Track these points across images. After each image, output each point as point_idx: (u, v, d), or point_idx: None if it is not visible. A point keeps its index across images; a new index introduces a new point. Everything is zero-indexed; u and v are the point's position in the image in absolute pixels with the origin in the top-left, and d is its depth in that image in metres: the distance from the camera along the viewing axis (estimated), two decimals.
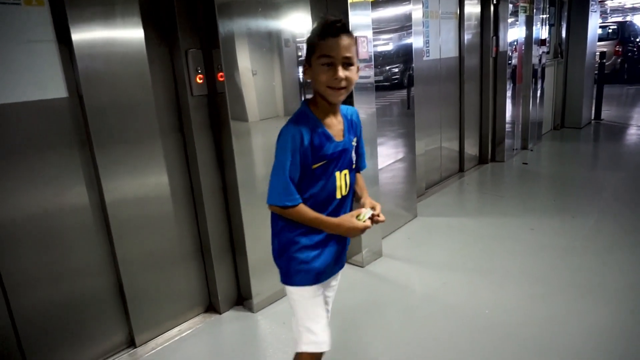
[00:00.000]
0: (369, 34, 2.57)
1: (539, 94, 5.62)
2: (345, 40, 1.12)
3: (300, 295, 1.29)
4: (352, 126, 1.28)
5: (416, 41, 3.51)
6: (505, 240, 3.03)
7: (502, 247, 2.94)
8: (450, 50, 4.27)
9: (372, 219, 1.22)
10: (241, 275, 2.38)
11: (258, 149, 2.22)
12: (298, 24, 2.36)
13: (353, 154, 1.28)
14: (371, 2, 2.56)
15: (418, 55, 3.65)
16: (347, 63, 1.14)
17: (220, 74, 2.06)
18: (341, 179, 1.23)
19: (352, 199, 1.33)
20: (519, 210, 3.54)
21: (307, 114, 1.19)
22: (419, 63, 3.67)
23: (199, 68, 2.08)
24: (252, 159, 2.23)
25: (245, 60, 2.13)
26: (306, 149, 1.16)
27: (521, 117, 5.35)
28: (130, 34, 1.85)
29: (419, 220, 3.47)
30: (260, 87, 2.21)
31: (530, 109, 5.41)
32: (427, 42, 3.91)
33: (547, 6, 5.63)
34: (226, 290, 2.37)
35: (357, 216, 1.20)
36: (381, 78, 3.03)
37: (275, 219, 1.29)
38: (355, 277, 2.66)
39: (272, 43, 2.25)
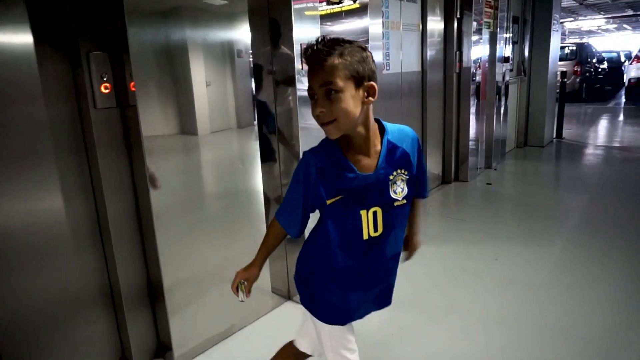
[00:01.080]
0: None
1: (502, 111, 5.52)
2: (322, 67, 0.98)
3: (329, 331, 1.25)
4: (398, 156, 1.11)
5: (374, 55, 3.27)
6: (468, 272, 2.77)
7: (464, 280, 2.67)
8: (412, 64, 4.07)
9: (247, 291, 1.26)
10: (160, 323, 1.99)
11: (193, 168, 1.89)
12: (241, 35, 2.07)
13: (395, 191, 1.12)
14: (324, 14, 2.32)
15: (377, 68, 3.38)
16: (329, 91, 0.98)
17: (132, 82, 1.70)
18: (369, 217, 1.10)
19: (399, 234, 1.19)
20: (482, 237, 3.31)
21: (328, 141, 1.08)
22: (378, 77, 3.39)
23: (104, 75, 1.71)
24: (177, 182, 1.88)
25: (164, 68, 1.79)
26: (316, 180, 1.08)
27: (485, 134, 5.21)
28: (12, 35, 1.47)
29: None
30: (179, 98, 1.88)
31: (494, 126, 5.29)
32: (387, 55, 3.69)
33: (510, 24, 5.56)
34: (141, 341, 1.98)
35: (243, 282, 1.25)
36: None
37: (311, 244, 1.23)
38: (287, 313, 2.31)
39: (221, 52, 1.92)
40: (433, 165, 4.61)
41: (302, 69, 2.16)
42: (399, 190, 1.12)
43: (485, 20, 4.80)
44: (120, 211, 1.83)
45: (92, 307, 1.87)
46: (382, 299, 1.29)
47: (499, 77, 5.24)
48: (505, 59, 5.35)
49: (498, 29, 5.07)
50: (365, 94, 1.03)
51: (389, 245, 1.16)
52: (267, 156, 2.37)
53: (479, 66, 4.80)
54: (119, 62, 1.72)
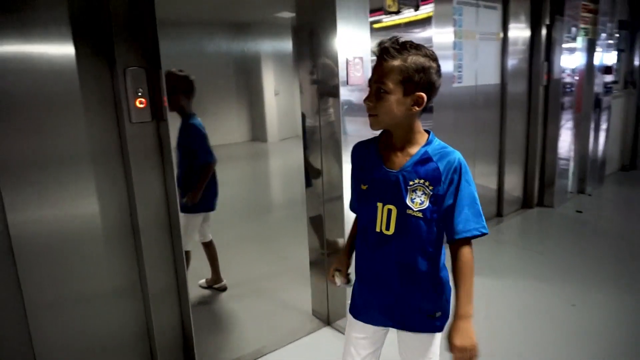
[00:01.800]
0: (366, 55, 2.13)
1: (602, 128, 4.81)
2: (382, 65, 1.06)
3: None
4: (428, 168, 1.12)
5: (443, 65, 3.01)
6: (538, 316, 2.38)
7: (531, 326, 2.29)
8: (489, 75, 3.72)
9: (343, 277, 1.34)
10: (185, 332, 1.96)
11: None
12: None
13: (413, 200, 1.12)
14: (382, 26, 2.19)
15: (445, 80, 3.07)
16: (379, 89, 1.07)
17: (164, 98, 1.70)
18: (383, 212, 1.16)
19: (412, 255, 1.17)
20: (561, 276, 2.85)
21: (376, 136, 1.20)
22: (446, 89, 3.17)
23: (140, 90, 1.72)
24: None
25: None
26: (355, 166, 1.23)
27: (579, 153, 4.57)
28: (56, 48, 1.55)
29: None
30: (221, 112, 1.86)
31: (590, 144, 4.62)
32: (459, 67, 3.39)
33: (616, 29, 4.85)
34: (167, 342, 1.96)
35: (338, 269, 1.34)
36: None
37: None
38: (324, 339, 2.14)
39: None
40: (512, 186, 4.14)
41: (347, 82, 2.05)
42: (417, 201, 1.11)
43: (582, 26, 4.23)
44: (152, 221, 1.83)
45: (122, 303, 1.89)
46: (400, 318, 1.24)
47: (598, 89, 4.59)
48: (607, 69, 4.67)
49: (599, 35, 4.45)
50: (412, 103, 1.08)
51: (398, 251, 1.16)
52: (312, 168, 2.28)
53: (574, 77, 4.24)
54: (156, 78, 1.73)
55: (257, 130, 2.10)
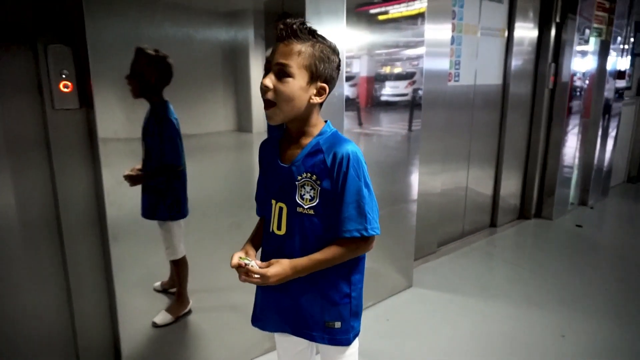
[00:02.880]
0: (342, 52, 1.84)
1: (610, 136, 4.51)
2: (287, 46, 1.00)
3: None
4: (316, 160, 1.07)
5: (436, 62, 2.79)
6: (526, 348, 2.12)
7: (515, 358, 2.04)
8: (490, 75, 3.44)
9: (249, 269, 1.05)
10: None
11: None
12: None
13: (303, 196, 1.08)
14: (373, 17, 2.01)
15: (439, 78, 2.87)
16: (282, 72, 1.00)
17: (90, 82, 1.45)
18: (275, 210, 1.12)
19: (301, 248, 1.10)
20: (552, 298, 2.59)
21: (273, 129, 1.17)
22: (440, 87, 2.88)
23: (64, 72, 1.47)
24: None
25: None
26: (259, 163, 1.19)
27: (583, 162, 4.28)
28: None
29: (411, 293, 2.64)
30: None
31: (597, 153, 4.33)
32: (457, 64, 3.12)
33: (632, 32, 4.52)
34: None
35: (243, 257, 1.08)
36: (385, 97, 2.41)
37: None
38: None
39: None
40: (508, 194, 3.87)
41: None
42: (306, 197, 1.07)
43: (595, 26, 3.92)
44: (78, 222, 1.60)
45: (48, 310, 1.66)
46: (297, 323, 1.17)
47: (609, 95, 4.28)
48: (620, 74, 4.35)
49: (613, 37, 4.13)
50: (315, 92, 1.04)
51: (289, 252, 1.09)
52: None
53: (584, 81, 3.95)
54: (84, 57, 1.47)
55: (242, 119, 1.92)
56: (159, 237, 1.75)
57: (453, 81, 3.13)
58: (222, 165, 1.89)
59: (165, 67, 1.65)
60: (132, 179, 1.62)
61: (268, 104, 1.02)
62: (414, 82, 2.50)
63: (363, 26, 2.20)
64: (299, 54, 0.99)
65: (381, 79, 2.36)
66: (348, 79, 2.14)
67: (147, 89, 1.64)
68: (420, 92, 2.54)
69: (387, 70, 2.38)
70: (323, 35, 1.03)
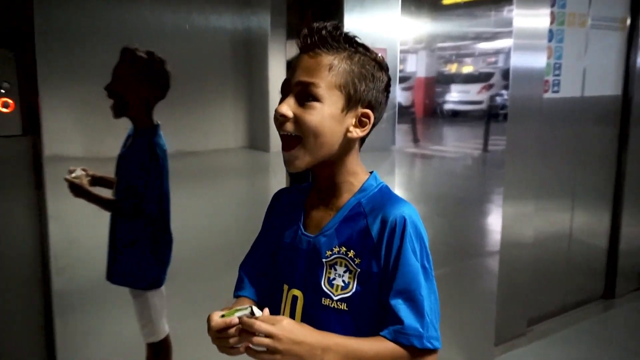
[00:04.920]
0: (393, 47, 1.81)
1: None
2: (314, 58, 0.86)
3: None
4: (355, 229, 0.90)
5: (526, 62, 2.46)
6: None
7: None
8: (604, 82, 3.04)
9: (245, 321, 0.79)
10: None
11: None
12: None
13: (331, 280, 0.91)
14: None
15: (530, 85, 2.53)
16: (306, 94, 0.85)
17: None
18: (286, 300, 0.94)
19: None
20: None
21: (308, 182, 1.04)
22: (531, 97, 2.54)
23: (3, 85, 1.35)
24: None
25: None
26: (269, 216, 1.05)
27: None
28: None
29: None
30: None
31: None
32: (556, 68, 2.75)
33: None
34: None
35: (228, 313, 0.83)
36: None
37: None
38: None
39: None
40: (635, 249, 3.27)
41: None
42: (338, 283, 0.90)
43: None
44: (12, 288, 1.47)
45: None
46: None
47: None
48: None
49: None
50: (355, 123, 0.89)
51: None
52: None
53: None
54: (32, 66, 1.32)
55: (257, 134, 1.87)
56: (130, 309, 1.59)
57: (551, 92, 2.75)
58: (227, 196, 1.76)
59: (161, 76, 1.52)
60: (74, 189, 1.43)
61: (287, 142, 0.88)
62: (490, 87, 2.29)
63: (423, 12, 2.02)
64: (330, 68, 0.86)
65: (445, 80, 2.15)
66: (401, 80, 1.99)
67: (135, 106, 1.51)
68: (499, 98, 2.28)
69: (453, 69, 2.18)
70: (365, 44, 0.91)
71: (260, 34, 1.71)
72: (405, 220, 0.87)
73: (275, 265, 0.99)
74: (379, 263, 0.88)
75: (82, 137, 1.45)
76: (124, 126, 1.53)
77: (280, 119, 0.85)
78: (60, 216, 1.40)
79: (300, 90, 0.85)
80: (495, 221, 2.29)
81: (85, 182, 1.46)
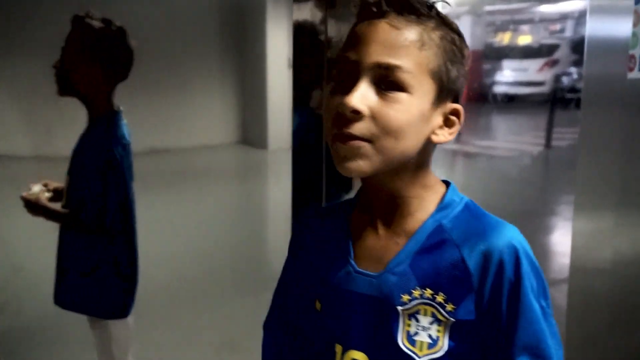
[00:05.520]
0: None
1: None
2: (395, 30, 0.72)
3: None
4: (442, 263, 0.78)
5: (603, 31, 2.20)
6: None
7: None
8: None
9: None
10: None
11: None
12: None
13: (411, 336, 0.80)
14: None
15: (608, 62, 2.27)
16: (390, 82, 0.71)
17: None
18: None
19: None
20: None
21: (349, 199, 0.91)
22: (611, 77, 2.29)
23: None
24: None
25: None
26: (297, 254, 0.91)
27: None
28: None
29: None
30: None
31: None
32: None
33: None
34: None
35: None
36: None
37: None
38: None
39: None
40: None
41: None
42: (421, 339, 0.78)
43: None
44: None
45: None
46: None
47: None
48: None
49: None
50: (443, 121, 0.77)
51: None
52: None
53: None
54: None
55: (253, 127, 1.79)
56: (88, 342, 1.51)
57: (637, 70, 2.37)
58: (213, 207, 1.66)
59: (120, 51, 1.41)
60: (30, 207, 1.35)
61: (354, 140, 0.72)
62: (555, 63, 2.07)
63: None
64: (422, 45, 0.72)
65: (496, 55, 1.96)
66: None
67: (86, 86, 1.40)
68: (566, 78, 2.06)
69: (505, 40, 1.99)
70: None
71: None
72: (517, 251, 0.75)
73: (318, 319, 0.85)
74: (481, 309, 0.77)
75: (29, 131, 1.39)
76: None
77: (350, 116, 0.70)
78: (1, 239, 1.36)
79: (379, 75, 0.71)
80: (562, 240, 2.04)
81: (43, 197, 1.39)
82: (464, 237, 0.77)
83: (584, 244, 2.19)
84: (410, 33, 0.72)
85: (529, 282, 0.75)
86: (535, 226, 2.08)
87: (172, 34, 1.50)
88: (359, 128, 0.71)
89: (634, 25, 2.30)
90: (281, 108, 1.78)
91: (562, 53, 2.08)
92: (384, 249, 0.79)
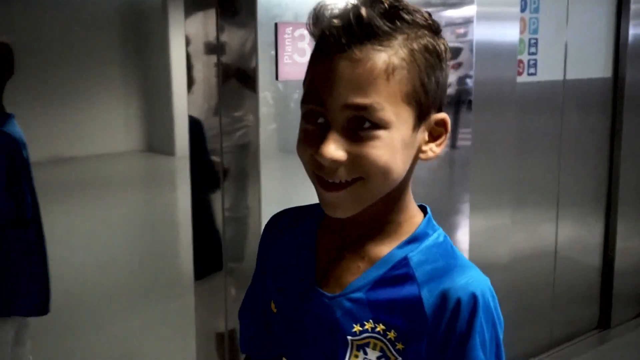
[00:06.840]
0: None
1: None
2: (359, 63, 0.67)
3: None
4: (399, 297, 0.76)
5: (494, 36, 2.32)
6: None
7: None
8: (591, 63, 2.91)
9: None
10: None
11: None
12: None
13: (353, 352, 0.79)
14: None
15: (500, 65, 2.38)
16: (361, 121, 0.68)
17: None
18: None
19: None
20: None
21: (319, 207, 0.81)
22: (502, 80, 2.41)
23: None
24: None
25: None
26: (262, 261, 0.91)
27: None
28: None
29: None
30: None
31: None
32: (532, 45, 2.59)
33: None
34: None
35: None
36: None
37: None
38: None
39: None
40: (633, 266, 3.16)
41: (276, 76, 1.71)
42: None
43: None
44: None
45: None
46: None
47: None
48: None
49: None
50: (427, 138, 0.75)
51: None
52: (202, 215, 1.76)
53: None
54: None
55: (158, 133, 1.78)
56: None
57: (526, 74, 2.55)
58: (116, 216, 1.65)
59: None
60: None
61: (333, 189, 0.71)
62: (459, 66, 2.16)
63: None
64: (391, 72, 0.67)
65: None
66: None
67: None
68: (469, 81, 2.14)
69: None
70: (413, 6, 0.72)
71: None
72: (476, 300, 0.71)
73: (275, 322, 0.86)
74: (430, 355, 0.75)
75: None
76: None
77: (331, 166, 0.68)
78: None
79: (351, 116, 0.67)
80: (461, 236, 2.14)
81: None
82: (427, 277, 0.75)
83: (481, 241, 2.31)
84: (376, 63, 0.67)
85: (480, 337, 0.73)
86: (437, 222, 2.12)
87: (71, 39, 1.48)
88: (342, 175, 0.69)
89: (521, 32, 2.45)
90: (185, 114, 1.78)
91: (465, 57, 2.14)
92: (344, 270, 0.78)
